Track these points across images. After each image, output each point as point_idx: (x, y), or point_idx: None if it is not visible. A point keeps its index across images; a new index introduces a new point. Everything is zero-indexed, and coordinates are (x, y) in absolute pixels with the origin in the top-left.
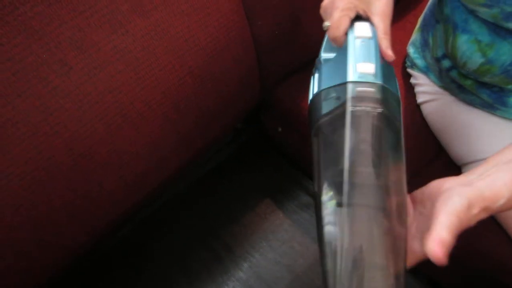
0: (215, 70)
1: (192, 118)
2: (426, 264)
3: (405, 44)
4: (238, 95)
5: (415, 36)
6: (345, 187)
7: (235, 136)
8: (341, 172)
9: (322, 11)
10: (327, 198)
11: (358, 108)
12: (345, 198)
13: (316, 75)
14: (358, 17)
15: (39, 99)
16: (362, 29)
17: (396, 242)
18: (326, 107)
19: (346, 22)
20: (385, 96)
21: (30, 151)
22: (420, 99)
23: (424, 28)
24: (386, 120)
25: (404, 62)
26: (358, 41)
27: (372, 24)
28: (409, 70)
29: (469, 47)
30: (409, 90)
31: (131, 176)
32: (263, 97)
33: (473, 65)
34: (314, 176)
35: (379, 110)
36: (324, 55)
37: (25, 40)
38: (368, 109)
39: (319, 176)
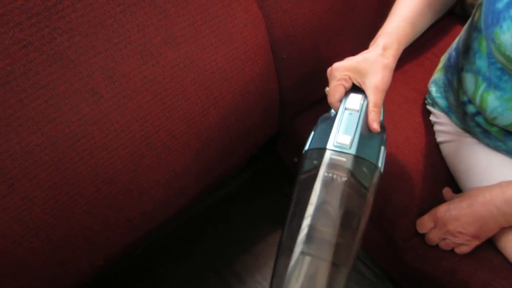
0: (239, 102)
1: (214, 148)
2: None
3: (423, 81)
4: (258, 126)
5: (437, 75)
6: (300, 237)
7: (250, 163)
8: (300, 223)
9: (327, 75)
10: (286, 243)
11: (327, 174)
12: (298, 247)
13: (312, 133)
14: (356, 87)
15: (68, 126)
16: (353, 101)
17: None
18: (307, 165)
19: (340, 91)
20: (356, 165)
21: (56, 176)
22: (439, 138)
23: (449, 69)
24: (351, 187)
25: (424, 99)
26: (346, 113)
27: (365, 96)
28: (430, 108)
29: (502, 104)
30: (428, 128)
31: (150, 203)
32: (280, 127)
33: (504, 121)
34: (283, 222)
35: (345, 179)
36: (333, 111)
37: (59, 69)
38: (335, 176)
39: (285, 224)
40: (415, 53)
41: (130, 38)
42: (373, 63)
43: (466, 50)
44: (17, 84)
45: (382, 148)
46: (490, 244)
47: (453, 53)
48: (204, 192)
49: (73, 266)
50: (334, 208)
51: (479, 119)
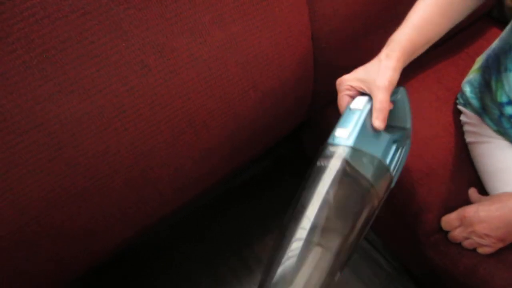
0: (276, 86)
1: (248, 130)
2: None
3: (456, 80)
4: (290, 112)
5: (473, 75)
6: (291, 220)
7: (273, 148)
8: (298, 212)
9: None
10: (287, 229)
11: (321, 163)
12: (288, 230)
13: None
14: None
15: (116, 96)
16: (358, 102)
17: (329, 275)
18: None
19: (346, 100)
20: (355, 157)
21: (99, 145)
22: (469, 138)
23: (486, 70)
24: (347, 176)
25: (456, 99)
26: (349, 112)
27: (371, 98)
28: (461, 108)
29: None
30: (458, 127)
31: (183, 179)
32: (308, 116)
33: None
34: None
35: (339, 167)
36: None
37: (113, 40)
38: (330, 165)
39: (288, 212)
40: (449, 53)
41: (181, 14)
42: (373, 68)
43: (510, 50)
44: (73, 52)
45: (394, 146)
46: None
47: (492, 54)
48: (232, 173)
49: (105, 234)
50: (328, 194)
51: None
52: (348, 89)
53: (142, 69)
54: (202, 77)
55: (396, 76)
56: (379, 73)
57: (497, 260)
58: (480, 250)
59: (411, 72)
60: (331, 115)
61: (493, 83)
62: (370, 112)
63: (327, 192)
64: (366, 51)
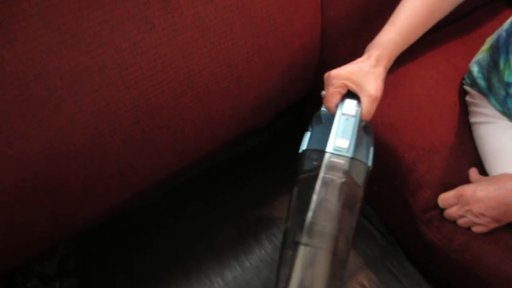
0: (282, 53)
1: (250, 97)
2: None
3: (464, 60)
4: (295, 82)
5: (482, 56)
6: (304, 231)
7: (274, 121)
8: (304, 219)
9: (324, 79)
10: (290, 236)
11: (327, 175)
12: (302, 239)
13: (309, 134)
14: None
15: (118, 52)
16: (349, 107)
17: (334, 276)
18: (307, 165)
19: (336, 97)
20: (352, 167)
21: (100, 101)
22: (473, 118)
23: (496, 50)
24: (348, 187)
25: (463, 79)
26: (343, 118)
27: (359, 102)
28: (467, 88)
29: None
30: (463, 107)
31: (182, 143)
32: (312, 90)
33: None
34: (286, 216)
35: (343, 179)
36: (324, 109)
37: None
38: (335, 177)
39: (288, 218)
40: (460, 33)
41: None
42: (367, 73)
43: None
44: (75, 2)
45: (371, 148)
46: (507, 226)
47: (503, 34)
48: (231, 141)
49: (102, 194)
50: (333, 205)
51: None
52: (342, 87)
53: (146, 25)
54: (206, 38)
55: (383, 85)
56: (371, 81)
57: (491, 238)
58: (475, 229)
59: (420, 49)
60: None
61: (501, 63)
62: (359, 118)
63: (337, 206)
64: (376, 26)
